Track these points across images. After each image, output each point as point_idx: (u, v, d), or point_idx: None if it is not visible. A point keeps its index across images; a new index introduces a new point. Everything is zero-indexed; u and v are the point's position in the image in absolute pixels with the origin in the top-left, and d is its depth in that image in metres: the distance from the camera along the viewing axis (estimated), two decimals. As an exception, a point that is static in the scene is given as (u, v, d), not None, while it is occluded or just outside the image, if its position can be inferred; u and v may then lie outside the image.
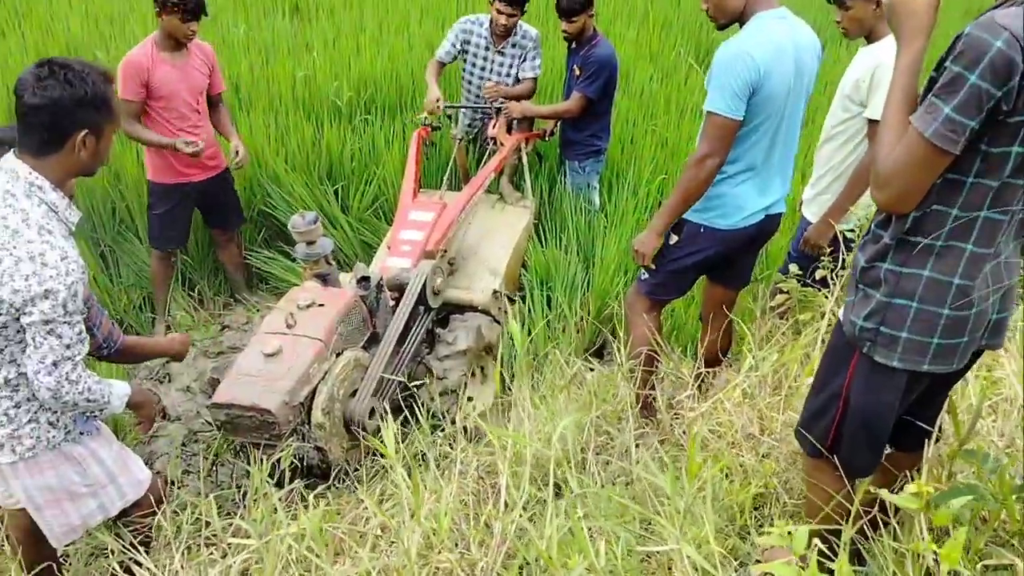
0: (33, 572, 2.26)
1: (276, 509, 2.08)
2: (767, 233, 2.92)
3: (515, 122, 4.59)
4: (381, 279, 3.41)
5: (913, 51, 1.60)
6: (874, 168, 1.58)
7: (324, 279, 3.31)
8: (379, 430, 2.47)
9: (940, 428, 1.88)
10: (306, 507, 2.24)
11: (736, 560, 1.91)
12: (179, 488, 3.00)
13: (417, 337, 3.43)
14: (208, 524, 2.31)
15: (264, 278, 4.61)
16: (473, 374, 3.62)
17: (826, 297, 2.75)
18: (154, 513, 2.26)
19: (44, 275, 1.79)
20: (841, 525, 1.60)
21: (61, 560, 2.45)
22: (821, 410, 1.88)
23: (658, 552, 1.79)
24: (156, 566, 2.10)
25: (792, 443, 2.17)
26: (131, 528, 2.22)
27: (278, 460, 2.56)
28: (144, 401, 2.26)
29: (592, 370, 3.32)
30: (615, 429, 2.70)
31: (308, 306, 3.09)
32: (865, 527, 1.64)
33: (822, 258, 2.95)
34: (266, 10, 7.59)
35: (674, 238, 2.86)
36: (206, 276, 4.56)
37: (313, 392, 2.86)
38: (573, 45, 4.52)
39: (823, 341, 2.58)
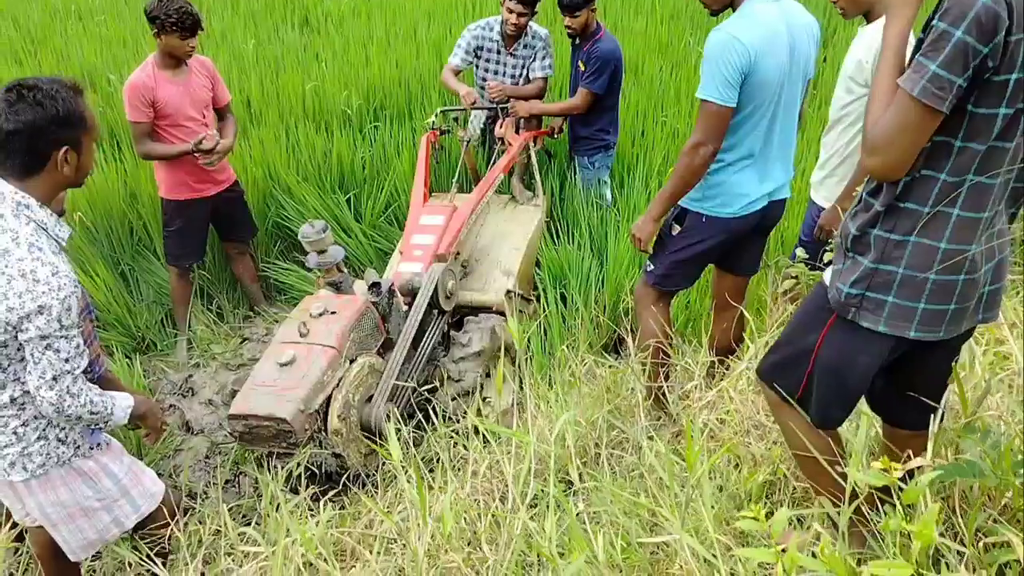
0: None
1: (287, 517, 2.11)
2: (772, 219, 2.90)
3: (523, 121, 4.60)
4: (393, 284, 3.43)
5: (902, 20, 1.60)
6: (864, 135, 1.58)
7: (337, 287, 3.34)
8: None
9: (946, 405, 1.86)
10: (314, 514, 2.27)
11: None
12: (202, 500, 3.05)
13: (431, 340, 3.45)
14: (225, 535, 2.34)
15: (282, 289, 4.66)
16: (489, 375, 3.64)
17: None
18: (168, 525, 2.30)
19: (37, 291, 1.83)
20: (839, 505, 1.58)
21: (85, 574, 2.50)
22: (791, 363, 1.89)
23: (665, 543, 1.79)
24: (174, 577, 2.14)
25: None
26: (148, 541, 2.26)
27: (295, 467, 2.60)
28: (148, 411, 2.28)
29: (609, 366, 3.31)
30: (628, 424, 2.70)
31: (321, 314, 3.13)
32: (863, 505, 1.63)
33: (831, 242, 2.92)
34: (276, 24, 7.68)
35: (676, 228, 2.85)
36: (225, 290, 4.63)
37: (328, 399, 2.89)
38: (577, 41, 4.51)
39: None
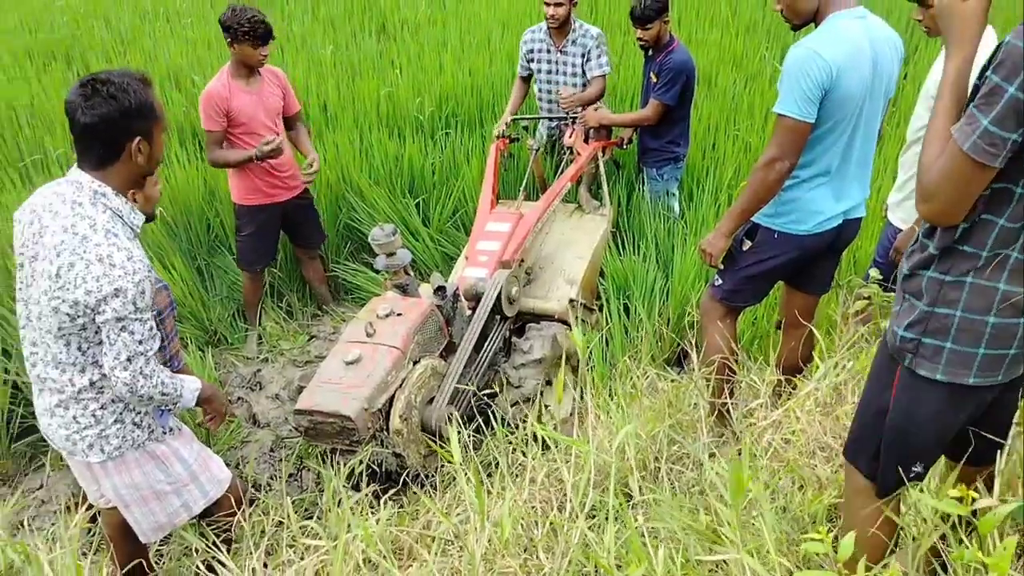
0: (125, 568, 2.40)
1: (348, 513, 2.15)
2: (846, 238, 2.84)
3: (592, 130, 4.60)
4: (458, 288, 3.47)
5: (961, 58, 1.54)
6: (918, 179, 1.52)
7: (403, 289, 3.39)
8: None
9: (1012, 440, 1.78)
10: (377, 511, 2.30)
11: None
12: (266, 491, 3.12)
13: (493, 346, 3.47)
14: (288, 527, 2.40)
15: (349, 289, 4.76)
16: (550, 383, 3.64)
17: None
18: (235, 513, 2.36)
19: (113, 275, 1.90)
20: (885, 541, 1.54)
21: (155, 561, 2.59)
22: (868, 431, 1.79)
23: (724, 562, 1.76)
24: (237, 565, 2.19)
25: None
26: (214, 528, 2.33)
27: (357, 464, 2.64)
28: (213, 396, 2.35)
29: (671, 380, 3.28)
30: (689, 439, 2.67)
31: (387, 315, 3.18)
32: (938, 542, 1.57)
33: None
34: (354, 31, 7.85)
35: (747, 243, 2.81)
36: (295, 289, 4.74)
37: (391, 399, 2.94)
38: (650, 52, 4.49)
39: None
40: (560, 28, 4.53)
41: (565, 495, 2.22)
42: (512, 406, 3.34)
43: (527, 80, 4.88)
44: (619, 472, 2.17)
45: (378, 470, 2.94)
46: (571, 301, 3.79)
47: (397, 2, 8.55)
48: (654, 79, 4.39)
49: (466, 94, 6.10)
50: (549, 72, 4.72)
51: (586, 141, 4.52)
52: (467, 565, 1.88)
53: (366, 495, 2.51)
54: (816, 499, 1.94)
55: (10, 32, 7.91)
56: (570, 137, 4.45)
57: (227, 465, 2.51)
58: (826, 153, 2.61)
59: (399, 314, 3.20)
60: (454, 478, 2.83)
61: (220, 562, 2.22)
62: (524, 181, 4.58)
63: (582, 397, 3.23)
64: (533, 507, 2.31)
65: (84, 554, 2.77)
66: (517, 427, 3.11)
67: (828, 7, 2.51)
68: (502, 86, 6.13)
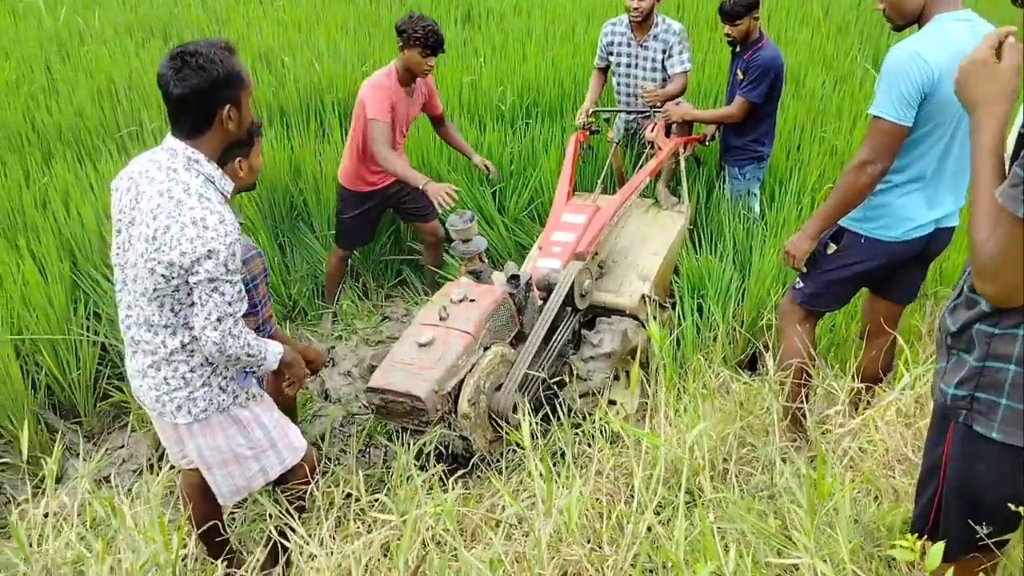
0: (201, 528, 2.49)
1: (418, 490, 2.18)
2: (936, 247, 2.75)
3: (674, 125, 4.55)
4: (530, 278, 3.48)
5: (994, 123, 1.41)
6: (973, 257, 1.39)
7: (477, 276, 3.42)
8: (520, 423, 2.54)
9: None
10: (446, 491, 2.33)
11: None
12: (335, 465, 3.20)
13: (563, 337, 3.48)
14: (357, 499, 2.46)
15: (424, 273, 4.82)
16: (617, 378, 3.63)
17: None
18: (308, 482, 2.43)
19: (207, 236, 1.97)
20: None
21: (228, 524, 2.68)
22: (921, 485, 1.69)
23: (794, 567, 1.74)
24: (307, 533, 2.26)
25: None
26: (287, 494, 2.40)
27: (424, 444, 2.69)
28: (294, 360, 2.41)
29: (744, 382, 3.24)
30: (760, 442, 2.63)
31: (460, 300, 3.22)
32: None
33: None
34: (439, 18, 7.91)
35: (832, 247, 2.74)
36: (371, 269, 4.83)
37: (461, 383, 2.97)
38: (737, 49, 4.42)
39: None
40: (642, 22, 4.48)
41: (631, 489, 2.22)
42: (579, 398, 3.34)
43: (604, 72, 4.86)
44: (688, 470, 2.15)
45: (444, 452, 2.98)
46: (643, 297, 3.76)
47: (483, -10, 8.60)
48: (740, 76, 4.32)
49: (548, 84, 6.10)
50: (628, 66, 4.68)
51: (667, 136, 4.47)
52: (532, 550, 1.90)
53: (433, 475, 2.55)
54: (892, 510, 1.89)
55: (112, 8, 8.24)
56: (651, 131, 4.40)
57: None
58: (921, 159, 2.53)
59: (472, 300, 3.23)
60: (519, 464, 2.86)
61: (291, 528, 2.29)
62: (602, 174, 4.55)
63: (651, 394, 3.21)
64: (598, 499, 2.32)
65: (162, 511, 2.89)
66: (584, 419, 3.11)
67: (933, 8, 2.43)
68: (584, 77, 6.09)
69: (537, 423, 2.94)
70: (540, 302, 3.51)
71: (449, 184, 3.41)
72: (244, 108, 2.11)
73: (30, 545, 2.32)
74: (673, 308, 4.02)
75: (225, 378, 2.23)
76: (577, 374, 3.41)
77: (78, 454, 3.39)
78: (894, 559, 1.89)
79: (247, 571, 2.29)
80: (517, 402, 3.04)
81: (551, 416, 3.06)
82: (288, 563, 2.42)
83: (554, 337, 3.43)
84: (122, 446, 3.57)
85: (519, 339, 3.36)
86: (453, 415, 2.95)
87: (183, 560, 2.53)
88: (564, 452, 2.56)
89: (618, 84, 4.81)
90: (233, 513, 2.93)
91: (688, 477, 2.10)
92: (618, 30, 4.64)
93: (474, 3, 8.34)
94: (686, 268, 4.10)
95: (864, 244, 2.67)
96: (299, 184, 4.95)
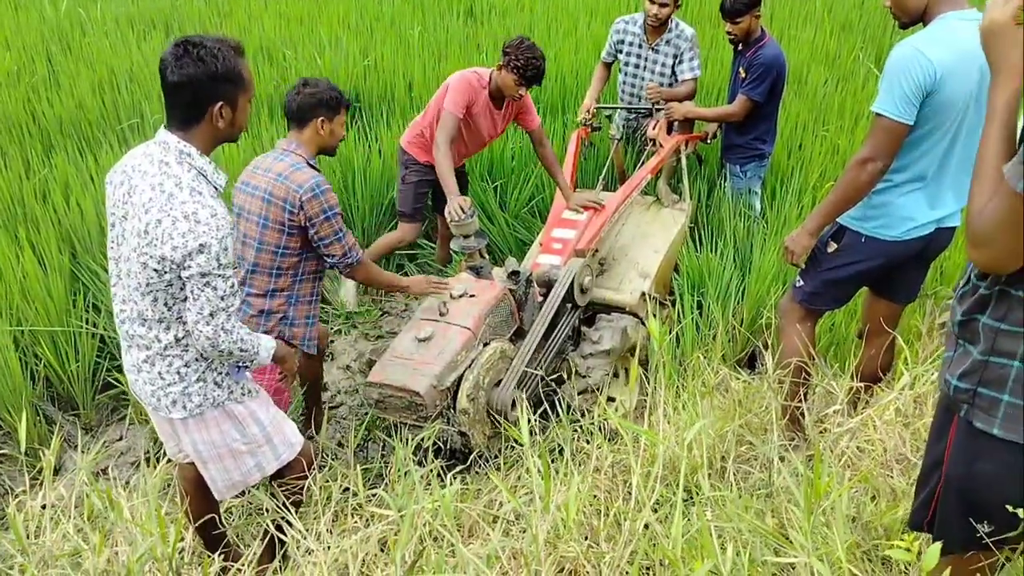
0: (198, 522, 2.49)
1: (415, 485, 2.18)
2: (937, 247, 2.74)
3: (675, 123, 4.54)
4: (531, 274, 3.48)
5: (1011, 89, 1.41)
6: (968, 223, 1.40)
7: (477, 271, 3.42)
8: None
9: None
10: (444, 486, 2.33)
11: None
12: (333, 459, 3.20)
13: (562, 334, 3.47)
14: (355, 494, 2.46)
15: (424, 267, 4.81)
16: (616, 375, 3.62)
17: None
18: (305, 477, 2.43)
19: (198, 231, 1.96)
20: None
21: (225, 518, 2.68)
22: (922, 480, 1.68)
23: (790, 566, 1.74)
24: (304, 527, 2.26)
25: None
26: (284, 489, 2.40)
27: (422, 440, 2.69)
28: (286, 355, 2.43)
29: (743, 380, 3.24)
30: (759, 440, 2.63)
31: (460, 296, 3.22)
32: None
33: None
34: (442, 12, 7.91)
35: (832, 246, 2.74)
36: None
37: (460, 379, 2.97)
38: (739, 47, 4.41)
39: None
40: (658, 27, 4.47)
41: (629, 486, 2.22)
42: (579, 395, 3.34)
43: (609, 67, 4.84)
44: (687, 467, 2.15)
45: (443, 447, 2.98)
46: (644, 295, 3.76)
47: (486, -14, 8.58)
48: (743, 75, 4.31)
49: (549, 80, 6.08)
50: (637, 67, 4.67)
51: (669, 133, 4.46)
52: (529, 546, 1.90)
53: (431, 470, 2.55)
54: (890, 510, 1.89)
55: (114, 0, 8.22)
56: (653, 128, 4.39)
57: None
58: (923, 158, 2.52)
59: (472, 295, 3.23)
60: (517, 460, 2.86)
61: (288, 522, 2.29)
62: (604, 171, 4.55)
63: (650, 392, 3.21)
64: (596, 496, 2.32)
65: (160, 504, 2.89)
66: (583, 416, 3.11)
67: (937, 6, 2.42)
68: (586, 74, 6.09)
69: (536, 419, 2.94)
70: (540, 298, 3.51)
71: (466, 199, 3.39)
72: (239, 109, 2.09)
73: (28, 537, 2.33)
74: (673, 306, 4.02)
75: (220, 373, 2.23)
76: (576, 371, 3.41)
77: (76, 446, 3.39)
78: (891, 558, 1.89)
79: (244, 565, 2.29)
80: (516, 398, 3.04)
81: (550, 413, 3.06)
82: (285, 557, 2.42)
83: (554, 334, 3.43)
84: (120, 438, 3.57)
85: (519, 335, 3.36)
86: (452, 411, 2.95)
87: (180, 553, 2.54)
88: (562, 449, 2.57)
89: (623, 83, 4.80)
90: (230, 507, 2.93)
91: (686, 475, 2.10)
92: (631, 29, 4.62)
93: (476, -2, 8.34)
94: (686, 266, 4.10)
95: (864, 243, 2.67)
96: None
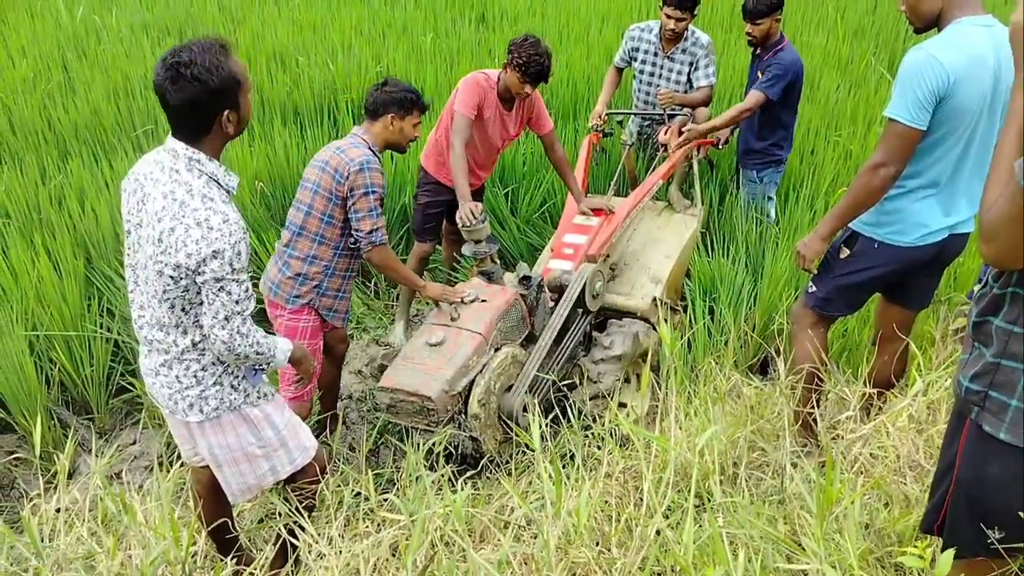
0: (211, 526, 2.50)
1: (427, 490, 2.19)
2: (951, 253, 2.72)
3: (687, 128, 4.53)
4: (542, 279, 3.48)
5: None
6: (980, 217, 1.41)
7: (489, 277, 3.43)
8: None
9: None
10: (455, 491, 2.34)
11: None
12: (344, 464, 3.21)
13: (574, 339, 3.48)
14: (366, 499, 2.46)
15: (435, 274, 4.82)
16: (628, 380, 3.62)
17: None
18: (318, 481, 2.44)
19: (211, 237, 1.98)
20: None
21: (237, 520, 2.69)
22: (936, 482, 1.67)
23: (803, 573, 1.73)
24: (316, 532, 2.26)
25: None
26: (297, 494, 2.41)
27: (433, 445, 2.69)
28: (303, 357, 2.44)
29: (755, 386, 3.23)
30: (771, 447, 2.62)
31: (472, 301, 3.23)
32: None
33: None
34: (454, 19, 7.94)
35: (845, 251, 2.73)
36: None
37: (471, 384, 2.98)
38: (757, 51, 4.39)
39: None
40: (674, 38, 4.47)
41: (640, 492, 2.21)
42: (590, 400, 3.34)
43: (621, 72, 4.83)
44: (698, 473, 2.15)
45: (454, 452, 2.98)
46: (655, 300, 3.75)
47: (498, -8, 8.61)
48: (760, 77, 4.28)
49: (561, 86, 6.10)
50: (651, 75, 4.66)
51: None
52: (541, 552, 1.89)
53: (442, 475, 2.55)
54: (903, 517, 1.88)
55: (129, 7, 8.29)
56: (665, 134, 4.39)
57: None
58: (936, 164, 2.51)
59: (484, 301, 3.24)
60: (529, 465, 2.86)
61: (300, 527, 2.29)
62: (615, 176, 4.55)
63: (662, 398, 3.21)
64: (607, 501, 2.31)
65: (172, 508, 2.90)
66: (594, 421, 3.11)
67: (952, 11, 2.41)
68: (598, 80, 6.09)
69: (547, 425, 2.94)
70: (552, 304, 3.51)
71: (478, 204, 3.39)
72: (244, 108, 2.10)
73: (42, 540, 2.34)
74: (685, 311, 4.01)
75: (236, 377, 2.24)
76: (587, 376, 3.41)
77: (90, 450, 3.41)
78: (904, 566, 1.88)
79: (256, 569, 2.30)
80: (527, 403, 3.04)
81: (561, 418, 3.06)
82: (297, 562, 2.43)
83: (565, 339, 3.43)
84: (134, 442, 3.59)
85: (530, 340, 3.36)
86: (463, 415, 2.96)
87: (193, 557, 2.55)
88: (574, 454, 2.56)
89: (637, 90, 4.79)
90: (242, 511, 2.94)
91: (698, 481, 2.09)
92: (647, 37, 4.60)
93: (489, 5, 8.35)
94: (698, 271, 4.09)
95: (877, 249, 2.65)
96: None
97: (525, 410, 3.03)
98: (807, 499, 1.83)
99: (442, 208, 4.21)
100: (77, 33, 7.35)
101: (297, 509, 2.34)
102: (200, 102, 1.99)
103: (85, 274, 4.06)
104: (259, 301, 2.69)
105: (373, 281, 4.78)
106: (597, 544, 2.07)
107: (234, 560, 2.42)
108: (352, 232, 3.08)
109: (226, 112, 2.04)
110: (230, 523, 2.54)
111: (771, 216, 4.58)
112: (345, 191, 3.00)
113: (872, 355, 3.01)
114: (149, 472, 3.33)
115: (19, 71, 6.24)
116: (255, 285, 2.90)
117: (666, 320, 3.81)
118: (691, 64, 4.53)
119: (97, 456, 3.07)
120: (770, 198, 4.59)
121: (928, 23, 2.48)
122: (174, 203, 2.01)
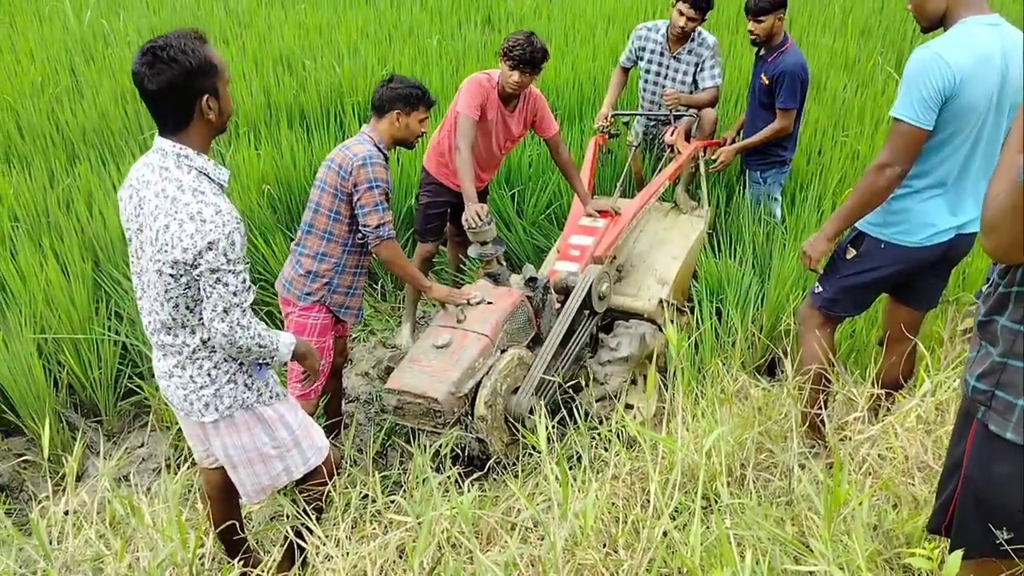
0: (220, 527, 2.50)
1: (433, 492, 2.19)
2: (958, 253, 2.71)
3: (694, 128, 4.53)
4: (548, 281, 3.48)
5: None
6: (982, 211, 1.42)
7: (495, 278, 3.43)
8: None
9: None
10: (462, 493, 2.33)
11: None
12: (352, 466, 3.21)
13: (580, 340, 3.47)
14: (374, 501, 2.47)
15: (441, 276, 4.83)
16: (634, 382, 3.61)
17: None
18: (327, 483, 2.44)
19: (205, 230, 1.98)
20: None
21: (244, 522, 2.69)
22: (943, 482, 1.66)
23: (811, 574, 1.72)
24: (323, 534, 2.26)
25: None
26: (306, 495, 2.41)
27: (440, 447, 2.69)
28: (308, 352, 2.41)
29: (762, 387, 3.22)
30: (778, 448, 2.61)
31: (478, 303, 3.23)
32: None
33: None
34: (460, 21, 7.95)
35: (851, 252, 2.72)
36: (388, 272, 4.84)
37: (478, 385, 2.98)
38: (761, 51, 4.38)
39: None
40: (681, 36, 4.47)
41: (647, 493, 2.21)
42: (596, 402, 3.33)
43: (627, 72, 4.83)
44: (705, 475, 2.14)
45: (461, 454, 2.98)
46: (662, 301, 3.75)
47: (503, -6, 8.62)
48: (765, 81, 4.28)
49: (567, 87, 6.10)
50: (658, 75, 4.66)
51: (687, 140, 4.45)
52: (547, 553, 1.89)
53: (449, 477, 2.55)
54: (912, 518, 1.87)
55: (136, 11, 8.33)
56: (671, 135, 4.38)
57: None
58: (943, 164, 2.50)
59: (490, 302, 3.24)
60: (535, 467, 2.86)
61: (308, 529, 2.30)
62: (622, 178, 4.55)
63: (669, 399, 3.20)
64: (614, 503, 2.31)
65: (180, 510, 2.91)
66: (600, 423, 3.11)
67: (957, 11, 2.40)
68: (603, 81, 6.09)
69: (553, 426, 2.94)
70: (558, 305, 3.51)
71: (483, 206, 3.39)
72: (223, 97, 2.09)
73: (51, 542, 2.35)
74: (691, 312, 4.00)
75: (250, 375, 2.24)
76: (594, 378, 3.41)
77: (98, 452, 3.43)
78: (912, 567, 1.87)
79: (264, 571, 2.30)
80: (534, 405, 3.04)
81: (568, 420, 3.06)
82: (304, 563, 2.43)
83: (571, 340, 3.43)
84: (142, 445, 3.60)
85: (536, 342, 3.36)
86: (470, 417, 2.96)
87: (200, 559, 2.55)
88: (580, 456, 2.56)
89: (643, 91, 4.79)
90: (249, 513, 2.94)
91: (705, 482, 2.09)
92: (653, 37, 4.60)
93: (494, 7, 8.36)
94: (705, 272, 4.08)
95: (884, 249, 2.65)
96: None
97: (531, 412, 3.03)
98: (815, 500, 1.82)
99: (443, 208, 4.21)
100: (85, 37, 7.38)
101: (305, 511, 2.34)
102: (177, 84, 1.97)
103: (93, 277, 4.08)
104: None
105: (380, 283, 4.78)
106: (604, 546, 2.07)
107: (241, 562, 2.43)
108: (360, 228, 3.09)
109: (206, 97, 2.03)
110: (238, 525, 2.54)
111: (777, 216, 4.57)
112: (350, 187, 3.02)
113: (880, 356, 3.00)
114: (157, 474, 3.34)
115: (27, 75, 6.27)
116: (267, 283, 2.91)
117: (673, 321, 3.80)
118: (697, 65, 4.53)
119: (105, 458, 3.09)
120: (775, 199, 4.58)
121: (934, 22, 2.47)
122: (166, 200, 2.01)
